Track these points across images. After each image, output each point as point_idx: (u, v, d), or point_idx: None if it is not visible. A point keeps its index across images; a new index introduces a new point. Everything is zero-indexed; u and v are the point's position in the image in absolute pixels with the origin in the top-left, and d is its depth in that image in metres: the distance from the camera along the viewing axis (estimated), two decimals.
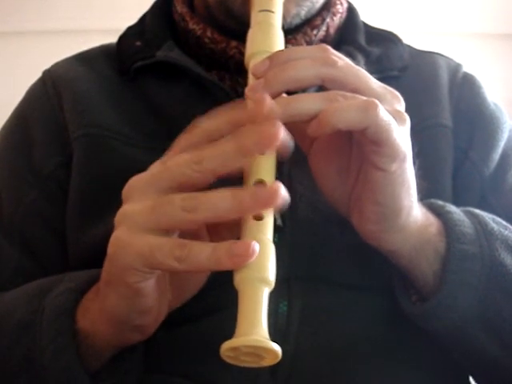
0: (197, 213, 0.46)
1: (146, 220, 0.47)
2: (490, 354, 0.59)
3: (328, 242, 0.62)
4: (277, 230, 0.61)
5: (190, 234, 0.51)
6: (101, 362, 0.56)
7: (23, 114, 0.74)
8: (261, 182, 0.49)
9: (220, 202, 0.45)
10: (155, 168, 0.49)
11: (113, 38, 0.77)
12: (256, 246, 0.45)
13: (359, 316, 0.62)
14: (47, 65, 0.78)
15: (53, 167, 0.70)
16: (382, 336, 0.62)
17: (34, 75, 0.78)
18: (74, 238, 0.67)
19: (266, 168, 0.50)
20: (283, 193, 0.45)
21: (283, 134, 0.46)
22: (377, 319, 0.63)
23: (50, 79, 0.74)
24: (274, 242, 0.61)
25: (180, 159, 0.48)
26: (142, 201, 0.47)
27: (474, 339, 0.58)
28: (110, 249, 0.48)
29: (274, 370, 0.59)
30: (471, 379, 0.69)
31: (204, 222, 0.47)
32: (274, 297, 0.60)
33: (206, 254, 0.45)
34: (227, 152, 0.46)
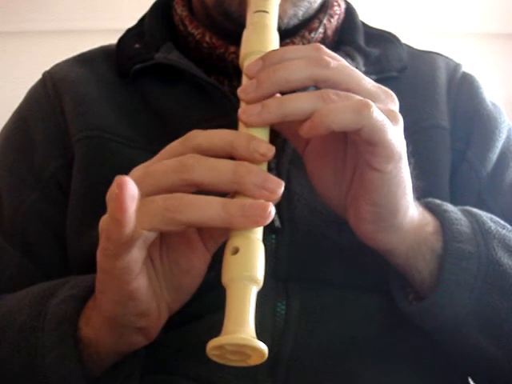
0: (180, 213, 0.45)
1: None
2: (487, 354, 0.59)
3: (326, 242, 0.63)
4: (275, 230, 0.62)
5: (179, 234, 0.51)
6: (104, 369, 0.56)
7: (24, 115, 0.74)
8: None
9: (206, 209, 0.45)
10: (137, 172, 0.49)
11: (113, 39, 0.77)
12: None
13: (357, 315, 0.62)
14: (47, 65, 0.78)
15: (53, 169, 0.70)
16: (380, 335, 0.62)
17: (34, 75, 0.78)
18: (75, 240, 0.67)
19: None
20: (273, 212, 0.46)
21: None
22: (375, 319, 0.63)
23: (51, 81, 0.74)
24: (272, 243, 0.61)
25: (166, 163, 0.48)
26: None
27: (470, 338, 0.58)
28: (99, 259, 0.48)
29: (272, 369, 0.59)
30: (470, 380, 0.69)
31: (187, 224, 0.46)
32: (272, 297, 0.61)
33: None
34: (214, 170, 0.47)
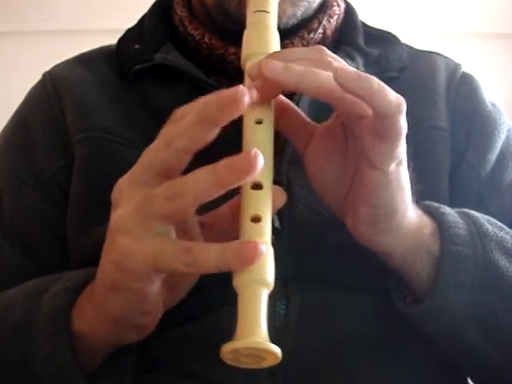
0: (180, 198, 0.45)
1: (137, 222, 0.46)
2: (485, 355, 0.59)
3: (326, 242, 0.63)
4: (274, 231, 0.62)
5: (185, 235, 0.51)
6: (96, 362, 0.56)
7: (24, 116, 0.74)
8: (258, 186, 0.49)
9: (199, 182, 0.45)
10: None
11: (113, 39, 0.77)
12: (263, 247, 0.45)
13: (356, 316, 0.63)
14: (47, 65, 0.78)
15: (54, 170, 0.70)
16: (380, 335, 0.62)
17: (34, 75, 0.78)
18: (75, 241, 0.67)
19: (262, 172, 0.49)
20: (260, 161, 0.44)
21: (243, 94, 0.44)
22: (374, 319, 0.63)
23: (51, 82, 0.74)
24: (272, 243, 0.62)
25: (151, 146, 0.48)
26: (129, 202, 0.47)
27: (469, 340, 0.58)
28: (115, 257, 0.48)
29: (272, 368, 0.59)
30: (470, 380, 0.69)
31: (190, 205, 0.46)
32: (272, 297, 0.60)
33: (213, 257, 0.45)
34: (192, 127, 0.46)
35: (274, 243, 0.61)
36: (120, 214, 0.48)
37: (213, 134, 0.46)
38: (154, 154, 0.48)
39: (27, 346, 0.55)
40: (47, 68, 0.77)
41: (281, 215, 0.62)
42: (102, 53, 0.78)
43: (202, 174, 0.45)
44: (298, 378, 0.60)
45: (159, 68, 0.71)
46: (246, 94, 0.44)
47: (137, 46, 0.73)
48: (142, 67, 0.71)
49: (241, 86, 0.45)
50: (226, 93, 0.45)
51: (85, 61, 0.77)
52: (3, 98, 1.40)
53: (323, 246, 0.63)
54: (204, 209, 0.53)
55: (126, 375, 0.57)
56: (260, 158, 0.44)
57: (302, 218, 0.63)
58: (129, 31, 0.77)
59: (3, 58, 2.00)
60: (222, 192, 0.45)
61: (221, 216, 0.53)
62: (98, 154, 0.67)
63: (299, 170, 0.61)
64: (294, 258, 0.62)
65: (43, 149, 0.71)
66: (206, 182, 0.45)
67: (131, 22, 0.79)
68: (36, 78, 0.77)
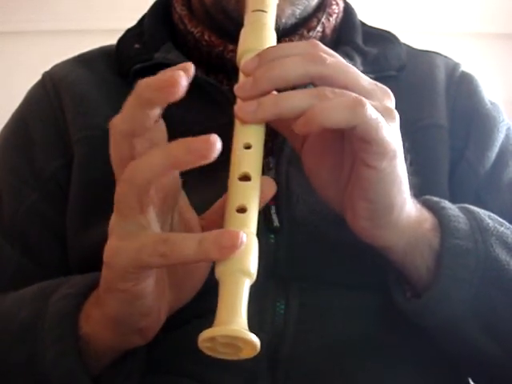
0: (137, 179, 0.45)
1: (115, 219, 0.47)
2: (486, 351, 0.59)
3: (325, 241, 0.62)
4: (274, 230, 0.62)
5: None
6: (101, 366, 0.56)
7: (23, 116, 0.74)
8: (246, 177, 0.49)
9: (153, 162, 0.45)
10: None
11: (113, 39, 0.77)
12: (244, 236, 0.44)
13: (357, 315, 0.62)
14: (47, 65, 0.78)
15: (54, 169, 0.70)
16: (380, 334, 0.62)
17: (34, 75, 0.78)
18: (75, 240, 0.67)
19: (250, 163, 0.49)
20: (218, 146, 0.43)
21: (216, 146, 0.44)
22: (374, 319, 0.63)
23: (51, 81, 0.74)
24: (271, 243, 0.62)
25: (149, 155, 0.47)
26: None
27: (468, 335, 0.58)
28: (105, 258, 0.48)
29: (272, 368, 0.59)
30: (470, 380, 0.69)
31: (147, 183, 0.46)
32: (271, 297, 0.61)
33: (191, 246, 0.44)
34: (131, 109, 0.47)
35: (274, 242, 0.62)
36: (115, 219, 0.48)
37: (154, 115, 0.46)
38: (112, 144, 0.49)
39: (33, 348, 0.55)
40: (47, 68, 0.77)
41: (280, 214, 0.63)
42: (102, 53, 0.78)
43: (156, 153, 0.45)
44: (299, 378, 0.60)
45: (159, 67, 0.70)
46: (183, 77, 0.45)
47: (137, 46, 0.73)
48: (142, 66, 0.71)
49: (180, 72, 0.45)
50: (164, 75, 0.45)
51: (85, 61, 0.77)
52: (3, 98, 1.40)
53: (323, 245, 0.63)
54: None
55: (131, 379, 0.57)
56: (218, 144, 0.43)
57: (302, 218, 0.63)
58: (128, 31, 0.77)
59: (3, 58, 2.00)
60: (177, 171, 0.46)
61: (215, 213, 0.53)
62: (98, 153, 0.67)
63: (298, 170, 0.61)
64: (293, 258, 0.62)
65: (43, 148, 0.71)
66: (160, 161, 0.45)
67: (131, 22, 0.79)
68: (36, 77, 0.77)
